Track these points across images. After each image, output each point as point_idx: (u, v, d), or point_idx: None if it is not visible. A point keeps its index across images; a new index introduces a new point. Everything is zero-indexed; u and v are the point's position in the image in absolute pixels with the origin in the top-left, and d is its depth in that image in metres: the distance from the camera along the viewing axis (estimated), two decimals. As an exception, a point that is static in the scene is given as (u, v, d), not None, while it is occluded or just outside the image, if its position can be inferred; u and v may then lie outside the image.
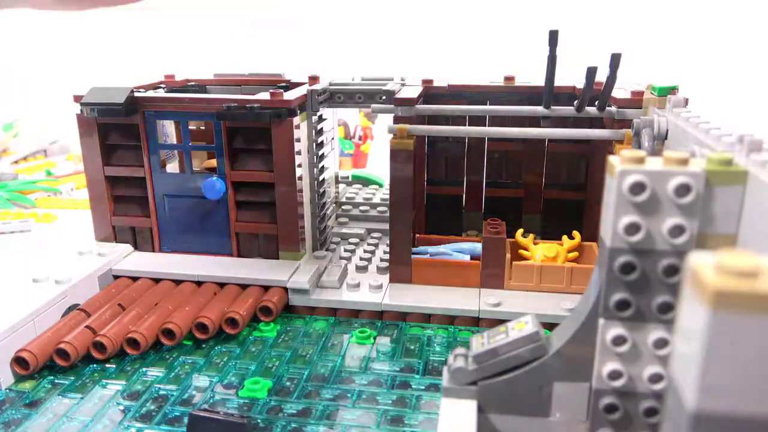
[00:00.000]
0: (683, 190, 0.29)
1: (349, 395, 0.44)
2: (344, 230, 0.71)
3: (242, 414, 0.41)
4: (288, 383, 0.45)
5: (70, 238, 0.64)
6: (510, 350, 0.34)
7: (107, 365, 0.48)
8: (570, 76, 0.64)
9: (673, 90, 0.47)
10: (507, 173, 0.68)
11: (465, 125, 0.64)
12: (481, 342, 0.36)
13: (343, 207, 0.76)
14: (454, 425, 0.33)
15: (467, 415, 0.34)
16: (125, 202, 0.62)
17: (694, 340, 0.18)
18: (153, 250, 0.62)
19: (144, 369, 0.47)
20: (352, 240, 0.69)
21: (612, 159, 0.31)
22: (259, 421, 0.41)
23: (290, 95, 0.56)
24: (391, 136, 0.55)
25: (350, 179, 0.85)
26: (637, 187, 0.29)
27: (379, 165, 0.98)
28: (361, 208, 0.76)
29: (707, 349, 0.18)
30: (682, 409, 0.19)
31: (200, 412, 0.40)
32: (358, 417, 0.41)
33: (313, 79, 0.67)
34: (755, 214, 0.29)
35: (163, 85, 0.67)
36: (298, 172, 0.58)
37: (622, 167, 0.30)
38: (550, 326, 0.44)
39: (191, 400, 0.43)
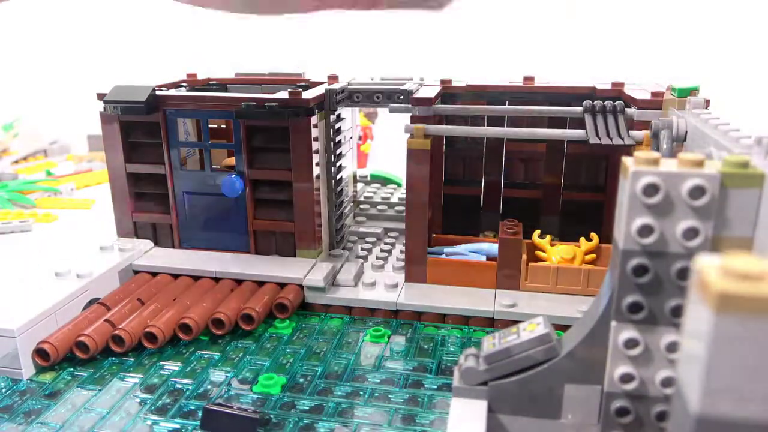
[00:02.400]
0: (697, 192, 0.29)
1: (361, 393, 0.44)
2: (362, 229, 0.71)
3: (255, 409, 0.41)
4: (301, 380, 0.46)
5: (92, 234, 0.66)
6: (521, 351, 0.34)
7: (126, 358, 0.49)
8: (590, 75, 0.64)
9: (693, 91, 0.46)
10: (525, 174, 0.68)
11: (484, 125, 0.64)
12: (492, 342, 0.36)
13: (361, 206, 0.77)
14: (463, 425, 0.33)
15: (477, 415, 0.34)
16: (146, 199, 0.63)
17: (698, 343, 0.18)
18: (173, 246, 0.63)
19: (161, 363, 0.48)
20: (369, 239, 0.69)
21: (626, 160, 0.30)
22: (271, 416, 0.41)
23: (308, 94, 0.57)
24: (408, 135, 0.55)
25: (369, 178, 0.85)
26: (651, 189, 0.29)
27: (377, 164, 0.98)
28: (379, 207, 0.76)
29: (711, 353, 0.18)
30: (686, 412, 0.19)
31: (214, 406, 0.40)
32: (369, 415, 0.42)
33: (333, 79, 0.67)
34: (772, 217, 0.29)
35: (184, 84, 0.68)
36: (316, 170, 0.58)
37: (636, 168, 0.29)
38: (565, 328, 0.44)
39: (206, 394, 0.44)
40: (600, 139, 0.47)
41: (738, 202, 0.29)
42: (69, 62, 1.19)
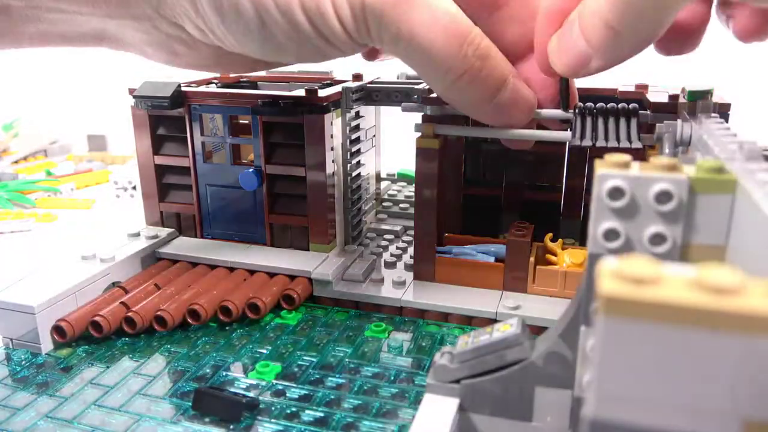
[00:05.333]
0: (664, 197, 0.28)
1: (351, 385, 0.45)
2: (382, 226, 0.72)
3: (244, 394, 0.43)
4: (296, 369, 0.47)
5: (128, 222, 0.69)
6: (490, 351, 0.34)
7: (137, 339, 0.51)
8: (613, 77, 0.62)
9: (706, 94, 0.45)
10: (546, 176, 0.67)
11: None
12: (466, 341, 0.36)
13: (383, 204, 0.77)
14: (430, 420, 0.34)
15: (445, 412, 0.34)
16: (172, 190, 0.66)
17: (596, 347, 0.18)
18: (196, 236, 0.65)
19: (168, 345, 0.50)
20: (387, 236, 0.70)
21: (597, 162, 0.30)
22: (259, 401, 0.42)
23: (324, 93, 0.58)
24: (419, 134, 0.55)
25: (396, 177, 0.86)
26: (616, 192, 0.29)
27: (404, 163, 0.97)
28: (401, 205, 0.77)
29: (602, 356, 0.18)
30: (584, 415, 0.19)
31: (206, 389, 0.42)
32: (355, 407, 0.42)
33: (357, 78, 0.68)
34: (743, 225, 0.28)
35: (215, 81, 0.71)
36: (330, 167, 0.59)
37: (602, 171, 0.29)
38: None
39: (204, 378, 0.46)
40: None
41: (709, 209, 0.29)
42: (69, 62, 1.16)
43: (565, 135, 0.50)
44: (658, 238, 0.29)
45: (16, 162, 1.09)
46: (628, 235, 0.29)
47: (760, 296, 0.16)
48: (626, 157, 0.30)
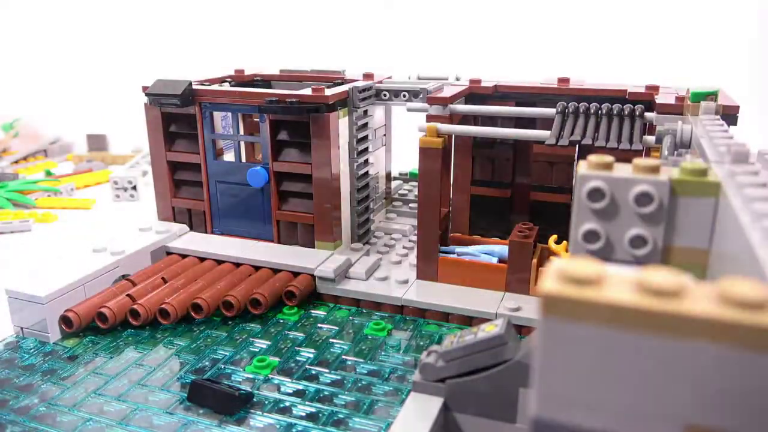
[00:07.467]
0: (645, 198, 0.28)
1: (345, 382, 0.45)
2: (391, 225, 0.72)
3: (238, 387, 0.44)
4: (293, 364, 0.48)
5: (146, 218, 0.71)
6: (475, 351, 0.34)
7: (142, 331, 0.52)
8: (623, 77, 0.62)
9: (709, 96, 0.44)
10: (555, 177, 0.66)
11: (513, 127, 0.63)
12: (451, 340, 0.36)
13: (394, 203, 0.78)
14: (412, 418, 0.34)
15: (428, 411, 0.34)
16: (183, 186, 0.67)
17: (537, 346, 0.18)
18: (206, 232, 0.66)
19: (171, 338, 0.51)
20: (395, 235, 0.70)
21: (580, 163, 0.30)
22: (253, 395, 0.43)
23: (330, 92, 0.59)
24: (422, 134, 0.55)
25: (408, 176, 0.86)
26: (596, 194, 0.28)
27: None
28: (411, 204, 0.77)
29: (542, 356, 0.18)
30: (530, 414, 0.19)
31: (201, 381, 0.43)
32: (347, 403, 0.43)
33: (368, 77, 0.69)
34: (726, 228, 0.27)
35: (229, 79, 0.72)
36: (336, 165, 0.60)
37: (583, 172, 0.29)
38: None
39: (203, 370, 0.47)
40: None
41: (691, 212, 0.28)
42: (69, 62, 1.17)
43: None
44: (638, 241, 0.28)
45: (16, 162, 1.09)
46: (608, 237, 0.29)
47: (701, 300, 0.16)
48: (609, 158, 0.29)
